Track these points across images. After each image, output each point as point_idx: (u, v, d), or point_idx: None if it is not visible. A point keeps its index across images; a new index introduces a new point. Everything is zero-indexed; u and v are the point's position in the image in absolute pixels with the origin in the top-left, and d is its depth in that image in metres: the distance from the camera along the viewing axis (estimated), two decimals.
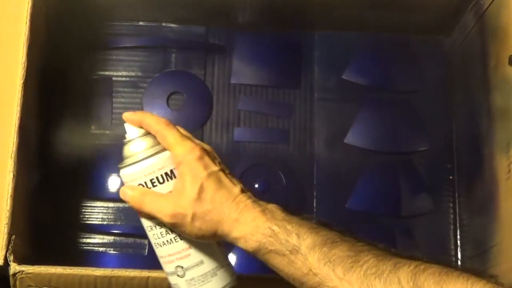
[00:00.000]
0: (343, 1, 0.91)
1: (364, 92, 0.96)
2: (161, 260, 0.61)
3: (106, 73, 0.95)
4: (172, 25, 0.97)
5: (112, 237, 0.89)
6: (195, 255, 0.59)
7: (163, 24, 0.97)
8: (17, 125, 0.71)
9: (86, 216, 0.89)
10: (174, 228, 0.58)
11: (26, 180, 0.73)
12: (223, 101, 0.95)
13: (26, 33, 0.74)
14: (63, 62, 0.90)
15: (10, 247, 0.68)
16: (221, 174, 0.59)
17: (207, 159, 0.58)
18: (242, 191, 0.59)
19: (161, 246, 0.60)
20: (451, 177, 0.95)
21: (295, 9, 0.93)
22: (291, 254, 0.55)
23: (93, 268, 0.68)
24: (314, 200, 0.92)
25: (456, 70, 0.97)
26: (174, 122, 0.92)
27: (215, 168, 0.58)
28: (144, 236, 0.87)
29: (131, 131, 0.60)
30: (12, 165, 0.70)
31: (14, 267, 0.67)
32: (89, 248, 0.88)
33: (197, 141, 0.61)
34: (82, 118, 0.92)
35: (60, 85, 0.90)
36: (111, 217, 0.90)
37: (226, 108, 0.95)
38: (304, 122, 0.95)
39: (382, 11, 0.93)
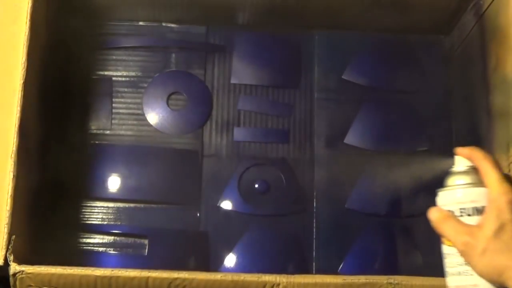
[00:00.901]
0: (343, 1, 0.91)
1: (364, 92, 0.96)
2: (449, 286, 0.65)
3: (106, 73, 0.94)
4: (172, 25, 0.97)
5: (112, 237, 0.89)
6: None
7: (163, 24, 0.97)
8: (17, 125, 0.71)
9: (86, 216, 0.89)
10: (464, 257, 0.61)
11: (26, 180, 0.73)
12: (223, 101, 0.95)
13: (26, 33, 0.74)
14: (63, 62, 0.90)
15: (10, 247, 0.68)
16: None
17: None
18: None
19: (452, 275, 0.64)
20: None
21: (295, 9, 0.92)
22: None
23: (93, 268, 0.68)
24: (314, 200, 0.92)
25: (456, 70, 0.97)
26: (174, 122, 0.93)
27: None
28: (144, 236, 0.89)
29: (460, 162, 0.67)
30: (12, 165, 0.70)
31: (14, 267, 0.67)
32: (89, 248, 0.88)
33: None
34: (82, 118, 0.92)
35: (60, 85, 0.90)
36: (111, 217, 0.90)
37: (226, 108, 0.95)
38: (304, 122, 0.95)
39: (382, 11, 0.93)
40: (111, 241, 0.89)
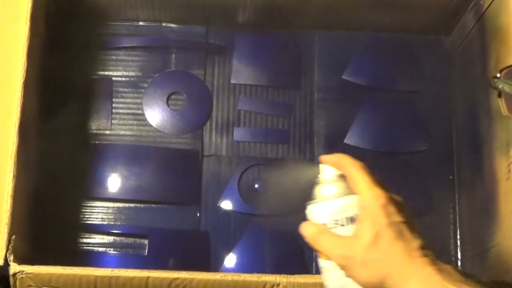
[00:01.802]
0: (343, 1, 0.91)
1: (364, 92, 0.96)
2: None
3: (106, 73, 0.94)
4: (172, 25, 0.97)
5: (112, 237, 0.89)
6: None
7: (163, 24, 0.97)
8: (17, 125, 0.71)
9: (86, 216, 0.89)
10: (343, 269, 0.58)
11: (26, 180, 0.73)
12: (223, 101, 0.95)
13: (26, 33, 0.74)
14: (63, 62, 0.90)
15: (10, 247, 0.68)
16: (403, 226, 0.57)
17: (391, 208, 0.58)
18: (422, 247, 0.57)
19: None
20: (451, 177, 0.95)
21: (295, 9, 0.93)
22: None
23: (93, 268, 0.68)
24: None
25: (456, 70, 0.97)
26: (174, 122, 0.93)
27: (398, 218, 0.58)
28: (144, 236, 0.89)
29: (326, 172, 0.63)
30: (12, 165, 0.70)
31: (14, 267, 0.67)
32: (89, 248, 0.88)
33: (388, 190, 0.60)
34: (82, 118, 0.92)
35: (60, 85, 0.90)
36: (111, 217, 0.90)
37: (226, 108, 0.95)
38: (304, 122, 0.95)
39: (382, 11, 0.93)
40: (111, 241, 0.89)
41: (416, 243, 0.57)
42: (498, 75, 0.78)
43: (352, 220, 0.60)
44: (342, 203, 0.61)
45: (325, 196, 0.62)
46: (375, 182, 0.60)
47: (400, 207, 0.59)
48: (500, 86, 0.78)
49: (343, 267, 0.58)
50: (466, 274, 0.56)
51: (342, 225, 0.60)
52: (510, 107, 0.78)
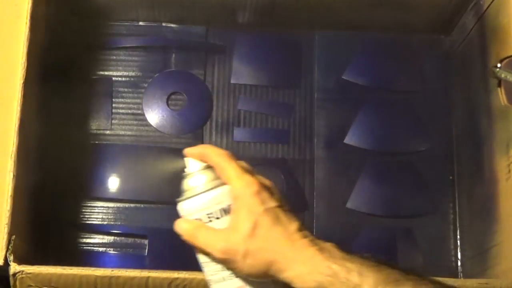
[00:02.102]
0: (343, 1, 0.91)
1: (364, 92, 0.96)
2: None
3: (106, 73, 0.94)
4: (172, 25, 0.97)
5: (112, 237, 0.89)
6: None
7: (163, 24, 0.97)
8: (17, 125, 0.71)
9: (86, 216, 0.89)
10: (226, 264, 0.57)
11: (26, 180, 0.73)
12: (223, 101, 0.95)
13: (26, 33, 0.74)
14: (63, 62, 0.90)
15: (10, 247, 0.68)
16: (279, 211, 0.57)
17: (264, 194, 0.57)
18: (300, 229, 0.57)
19: (216, 283, 0.59)
20: (451, 177, 0.95)
21: (295, 9, 0.92)
22: None
23: (93, 268, 0.68)
24: (314, 200, 0.92)
25: (456, 70, 0.97)
26: (174, 122, 0.93)
27: (272, 204, 0.57)
28: (144, 236, 0.89)
29: (191, 164, 0.61)
30: (12, 165, 0.70)
31: (14, 267, 0.67)
32: (89, 248, 0.88)
33: (258, 176, 0.59)
34: (82, 118, 0.92)
35: (60, 85, 0.90)
36: (111, 217, 0.90)
37: (226, 108, 0.95)
38: (304, 122, 0.95)
39: (382, 11, 0.93)
40: (111, 241, 0.89)
41: (293, 225, 0.57)
42: (499, 65, 0.78)
43: (226, 211, 0.59)
44: (214, 195, 0.59)
45: (195, 190, 0.59)
46: (244, 170, 0.59)
47: (272, 192, 0.58)
48: (503, 76, 0.77)
49: (225, 262, 0.57)
50: (347, 251, 0.56)
51: (217, 218, 0.58)
52: (510, 97, 0.78)
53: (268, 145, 0.94)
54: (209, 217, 0.58)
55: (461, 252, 0.92)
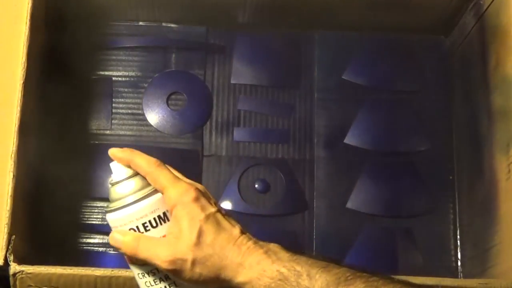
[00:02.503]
0: (343, 1, 0.91)
1: (364, 92, 0.96)
2: None
3: (106, 73, 0.94)
4: (172, 25, 0.97)
5: None
6: None
7: (163, 24, 0.97)
8: (17, 125, 0.71)
9: (86, 216, 0.89)
10: (173, 274, 0.55)
11: (26, 180, 0.73)
12: (223, 101, 0.95)
13: (26, 33, 0.74)
14: (63, 62, 0.90)
15: (10, 247, 0.68)
16: (219, 216, 0.56)
17: (203, 200, 0.56)
18: (242, 232, 0.56)
19: None
20: (451, 177, 0.95)
21: (295, 9, 0.92)
22: None
23: (93, 268, 0.68)
24: (314, 200, 0.92)
25: (456, 70, 0.97)
26: (174, 122, 0.93)
27: (212, 209, 0.56)
28: None
29: (119, 171, 0.57)
30: (12, 165, 0.70)
31: (14, 267, 0.67)
32: (89, 248, 0.88)
33: (190, 181, 0.58)
34: (82, 118, 0.92)
35: (60, 85, 0.90)
36: None
37: (226, 108, 0.95)
38: (304, 122, 0.95)
39: (382, 11, 0.93)
40: None
41: (236, 229, 0.56)
42: None
43: (160, 218, 0.56)
44: (148, 203, 0.56)
45: (127, 199, 0.56)
46: (176, 176, 0.57)
47: (209, 196, 0.57)
48: None
49: (173, 272, 0.55)
50: (291, 250, 0.56)
51: (154, 226, 0.56)
52: None
53: (268, 145, 0.94)
54: (145, 227, 0.56)
55: (461, 251, 0.92)
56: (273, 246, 0.56)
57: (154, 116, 0.93)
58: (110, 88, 0.94)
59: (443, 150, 0.96)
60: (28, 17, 0.74)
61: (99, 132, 0.92)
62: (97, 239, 0.89)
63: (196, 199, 0.55)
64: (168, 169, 0.58)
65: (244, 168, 0.93)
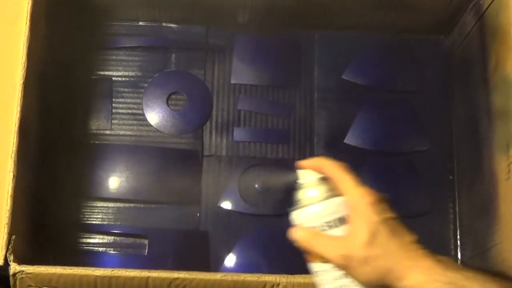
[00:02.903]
0: (343, 1, 0.91)
1: (364, 92, 0.96)
2: None
3: (106, 73, 0.94)
4: (172, 25, 0.97)
5: (112, 237, 0.89)
6: None
7: (163, 24, 0.97)
8: (17, 125, 0.71)
9: (86, 216, 0.89)
10: (344, 269, 0.59)
11: (26, 180, 0.73)
12: (223, 101, 0.95)
13: (26, 33, 0.74)
14: (63, 62, 0.90)
15: (10, 247, 0.68)
16: (395, 222, 0.59)
17: (381, 205, 0.59)
18: (416, 241, 0.59)
19: None
20: (451, 177, 0.95)
21: (295, 9, 0.92)
22: None
23: (93, 268, 0.68)
24: None
25: (456, 70, 0.97)
26: (174, 122, 0.93)
27: (389, 214, 0.59)
28: (144, 236, 0.89)
29: (307, 176, 0.64)
30: (12, 165, 0.70)
31: (14, 267, 0.67)
32: (89, 248, 0.88)
33: (371, 189, 0.61)
34: (82, 118, 0.92)
35: (60, 85, 0.90)
36: (111, 217, 0.90)
37: (226, 108, 0.95)
38: (304, 122, 0.95)
39: (382, 11, 0.93)
40: (111, 241, 0.89)
41: (410, 237, 0.59)
42: None
43: (341, 220, 0.61)
44: (331, 204, 0.61)
45: (311, 200, 0.62)
46: (359, 182, 0.61)
47: (387, 205, 0.60)
48: None
49: (344, 267, 0.59)
50: (463, 265, 0.58)
51: (334, 226, 0.61)
52: None
53: (268, 145, 0.94)
54: (326, 226, 0.61)
55: (461, 251, 0.92)
56: (446, 258, 0.58)
57: (154, 116, 0.93)
58: (110, 88, 0.94)
59: (443, 150, 0.96)
60: (28, 17, 0.74)
61: (99, 132, 0.92)
62: (97, 239, 0.89)
63: (373, 203, 0.59)
64: (353, 175, 0.62)
65: (244, 168, 0.93)
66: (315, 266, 0.62)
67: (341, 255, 0.58)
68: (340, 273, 0.60)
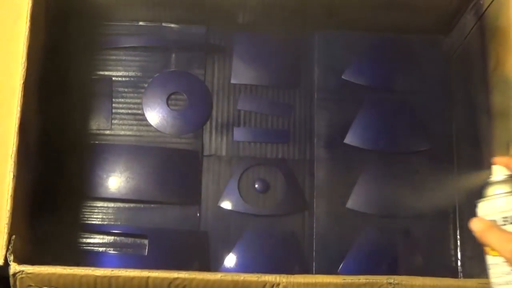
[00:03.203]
0: (343, 1, 0.91)
1: (364, 92, 0.96)
2: None
3: (106, 73, 0.95)
4: (172, 25, 0.97)
5: (112, 237, 0.89)
6: None
7: (163, 24, 0.97)
8: (17, 125, 0.71)
9: (86, 216, 0.89)
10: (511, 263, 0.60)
11: (26, 180, 0.73)
12: (223, 101, 0.95)
13: (26, 33, 0.74)
14: (63, 62, 0.90)
15: (10, 247, 0.68)
16: None
17: None
18: None
19: (499, 285, 0.62)
20: (451, 177, 0.95)
21: (295, 9, 0.93)
22: None
23: (93, 268, 0.68)
24: (314, 200, 0.92)
25: (456, 70, 0.97)
26: (174, 122, 0.93)
27: None
28: (144, 236, 0.89)
29: (498, 171, 0.65)
30: (12, 165, 0.70)
31: (14, 267, 0.67)
32: (89, 248, 0.88)
33: None
34: (82, 118, 0.92)
35: (60, 85, 0.90)
36: (111, 217, 0.90)
37: (226, 108, 0.95)
38: (304, 122, 0.95)
39: (382, 11, 0.93)
40: (111, 241, 0.89)
41: None
42: None
43: None
44: (509, 200, 0.63)
45: (495, 194, 0.64)
46: None
47: None
48: None
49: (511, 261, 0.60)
50: None
51: (511, 222, 0.63)
52: None
53: (268, 145, 0.94)
54: (504, 220, 0.63)
55: (461, 251, 0.92)
56: None
57: (154, 116, 0.93)
58: (110, 88, 0.94)
59: (443, 150, 0.96)
60: (28, 17, 0.74)
61: (99, 132, 0.92)
62: (97, 239, 0.89)
63: None
64: None
65: (244, 168, 0.93)
66: (489, 259, 0.63)
67: (510, 249, 0.60)
68: (510, 268, 0.61)
